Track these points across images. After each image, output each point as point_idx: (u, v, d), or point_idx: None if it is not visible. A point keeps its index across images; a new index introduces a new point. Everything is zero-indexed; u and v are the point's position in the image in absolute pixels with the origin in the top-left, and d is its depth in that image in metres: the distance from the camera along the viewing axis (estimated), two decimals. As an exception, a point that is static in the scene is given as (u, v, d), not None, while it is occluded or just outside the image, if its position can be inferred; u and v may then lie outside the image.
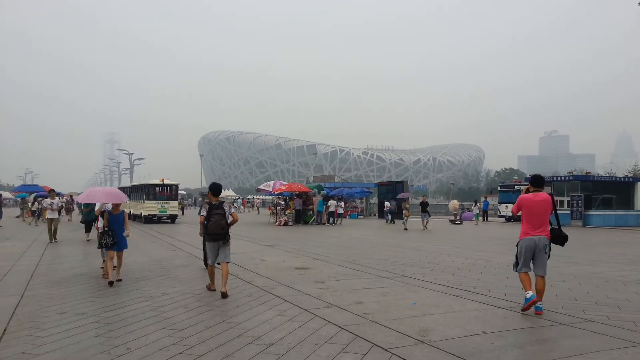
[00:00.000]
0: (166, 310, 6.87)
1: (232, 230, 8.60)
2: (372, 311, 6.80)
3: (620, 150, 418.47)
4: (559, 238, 6.87)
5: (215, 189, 8.15)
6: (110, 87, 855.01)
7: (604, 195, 28.72)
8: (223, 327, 5.99)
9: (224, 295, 7.70)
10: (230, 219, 8.03)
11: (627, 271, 10.69)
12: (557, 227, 6.92)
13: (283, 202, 31.98)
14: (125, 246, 9.51)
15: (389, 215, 32.65)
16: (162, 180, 30.41)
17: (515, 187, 34.93)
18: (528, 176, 43.51)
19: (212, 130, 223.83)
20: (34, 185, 53.75)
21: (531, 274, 6.88)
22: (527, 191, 7.07)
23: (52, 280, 9.45)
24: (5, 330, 5.93)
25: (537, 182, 7.05)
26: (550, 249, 6.87)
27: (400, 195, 33.63)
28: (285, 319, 6.40)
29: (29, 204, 33.26)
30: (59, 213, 17.14)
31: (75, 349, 5.19)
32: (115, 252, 9.21)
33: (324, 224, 29.16)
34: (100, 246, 9.61)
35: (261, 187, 32.45)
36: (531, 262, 6.88)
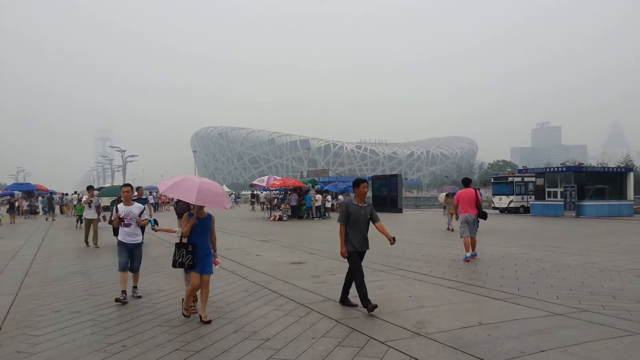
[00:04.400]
0: (162, 307, 6.85)
1: (227, 226, 8.60)
2: (369, 304, 6.79)
3: (611, 140, 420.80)
4: (482, 215, 11.17)
5: None
6: (103, 80, 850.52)
7: (596, 185, 28.83)
8: (219, 323, 5.98)
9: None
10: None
11: (621, 261, 10.75)
12: (480, 209, 11.18)
13: (280, 197, 32.06)
14: (211, 270, 6.35)
15: None
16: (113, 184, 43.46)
17: (509, 179, 34.88)
18: (521, 168, 43.81)
19: (205, 126, 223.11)
20: (27, 184, 53.44)
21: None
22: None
23: (46, 279, 9.39)
24: (0, 329, 5.90)
25: (465, 183, 11.64)
26: (478, 222, 11.31)
27: (442, 189, 33.64)
28: (282, 314, 6.39)
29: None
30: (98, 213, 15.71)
31: (70, 347, 5.17)
32: (199, 276, 6.18)
33: (318, 218, 29.33)
34: (177, 265, 6.32)
35: (255, 182, 32.43)
36: (469, 230, 10.96)
